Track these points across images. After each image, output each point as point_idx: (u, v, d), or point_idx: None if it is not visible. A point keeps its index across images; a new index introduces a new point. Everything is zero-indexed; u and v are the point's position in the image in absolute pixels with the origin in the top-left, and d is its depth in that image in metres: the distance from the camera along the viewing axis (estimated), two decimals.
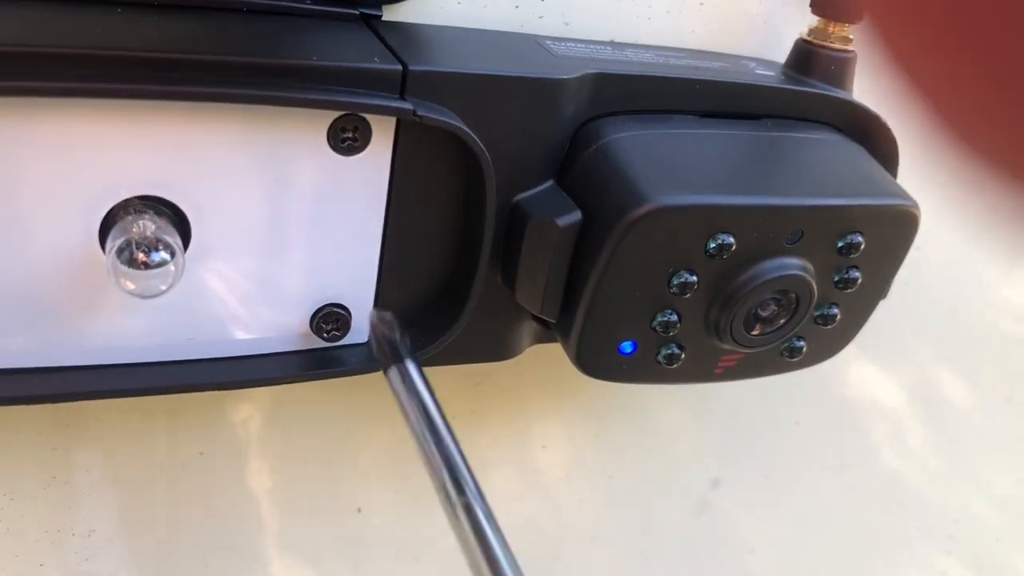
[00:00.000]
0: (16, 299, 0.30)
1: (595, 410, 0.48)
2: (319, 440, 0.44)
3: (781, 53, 0.42)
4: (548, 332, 0.39)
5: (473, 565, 0.29)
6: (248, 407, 0.41)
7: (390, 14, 0.35)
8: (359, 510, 0.46)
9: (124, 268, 0.28)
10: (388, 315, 0.34)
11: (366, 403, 0.43)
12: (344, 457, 0.44)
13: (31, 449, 0.38)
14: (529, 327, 0.39)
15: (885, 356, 0.56)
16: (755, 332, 0.36)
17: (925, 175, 0.47)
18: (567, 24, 0.39)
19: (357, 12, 0.34)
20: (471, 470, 0.31)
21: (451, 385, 0.44)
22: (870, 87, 0.40)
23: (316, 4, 0.33)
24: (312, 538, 0.46)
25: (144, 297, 0.29)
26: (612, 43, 0.39)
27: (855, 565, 0.63)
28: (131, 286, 0.29)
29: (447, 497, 0.31)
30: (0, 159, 0.28)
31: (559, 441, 0.48)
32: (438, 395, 0.43)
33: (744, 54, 0.42)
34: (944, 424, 0.61)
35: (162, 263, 0.29)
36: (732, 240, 0.33)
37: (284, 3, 0.33)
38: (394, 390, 0.33)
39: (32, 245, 0.29)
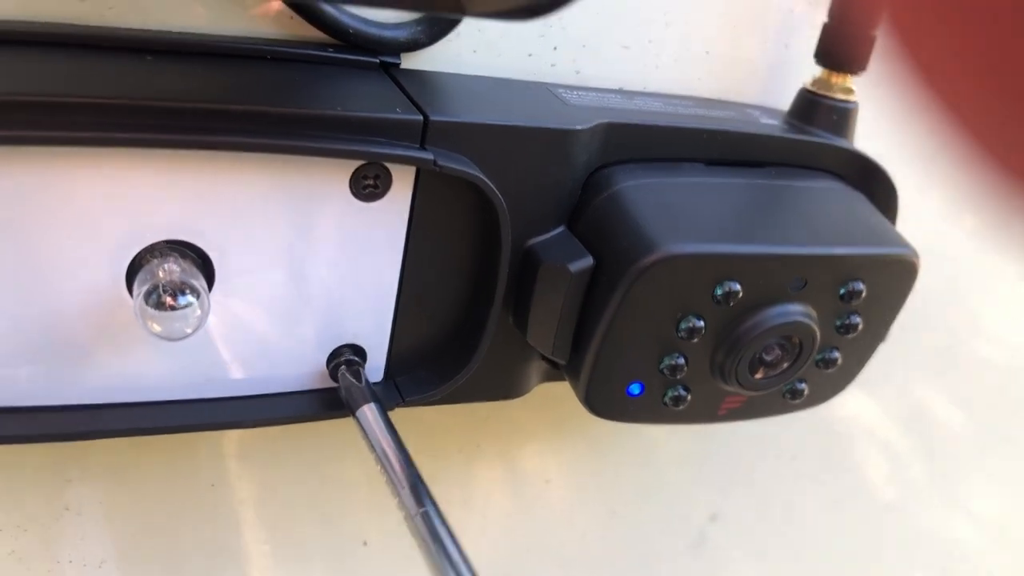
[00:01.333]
0: (43, 339, 0.31)
1: (598, 446, 0.49)
2: (328, 472, 0.44)
3: (785, 101, 0.43)
4: (556, 371, 0.40)
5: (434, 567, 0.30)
6: (259, 440, 0.42)
7: (408, 62, 0.36)
8: (365, 543, 0.46)
9: (152, 311, 0.29)
10: (354, 366, 0.35)
11: None
12: (350, 490, 0.45)
13: (45, 480, 0.39)
14: (538, 366, 0.40)
15: (881, 391, 0.57)
16: (759, 375, 0.37)
17: (920, 209, 0.48)
18: (578, 72, 0.40)
19: (377, 60, 0.35)
20: (428, 489, 0.32)
21: (457, 420, 0.45)
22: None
23: (337, 52, 0.34)
24: (320, 571, 0.46)
25: (170, 340, 0.30)
26: (621, 91, 0.40)
27: None
28: (158, 329, 0.29)
29: (408, 513, 0.32)
30: (34, 204, 0.29)
31: (562, 476, 0.49)
32: (445, 429, 0.43)
33: (749, 102, 0.43)
34: (939, 458, 0.62)
35: (188, 306, 0.29)
36: (739, 287, 0.34)
37: (306, 52, 0.34)
38: (361, 428, 0.34)
39: (61, 286, 0.30)
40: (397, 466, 0.32)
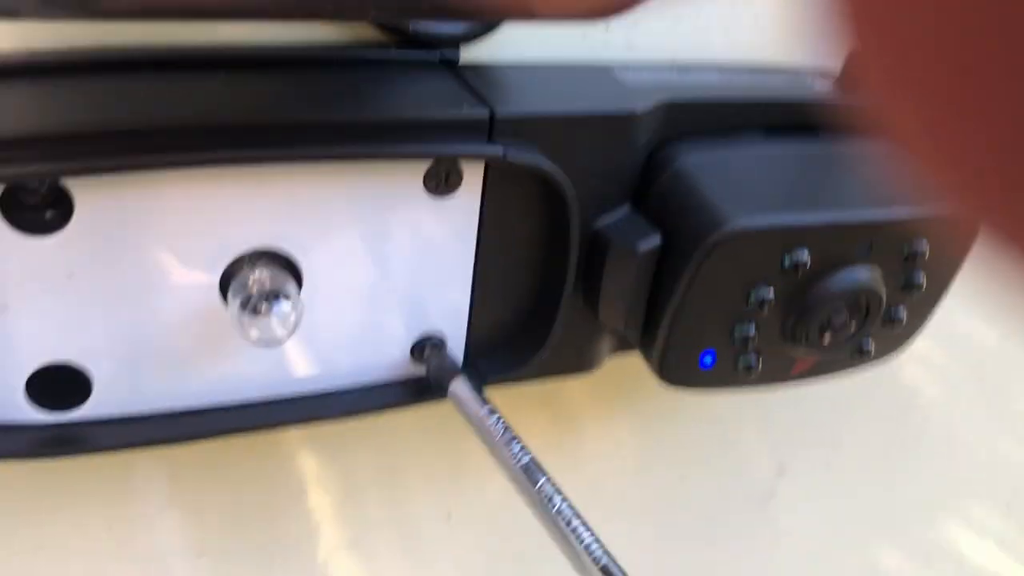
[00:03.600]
0: (147, 351, 0.32)
1: (665, 410, 0.50)
2: (414, 446, 0.46)
3: (837, 63, 0.43)
4: (627, 342, 0.41)
5: (564, 546, 0.32)
6: (339, 428, 0.44)
7: (467, 52, 0.37)
8: (449, 516, 0.48)
9: (248, 318, 0.31)
10: (438, 349, 0.37)
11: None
12: (436, 464, 0.47)
13: (148, 478, 0.41)
14: (609, 339, 0.41)
15: (945, 339, 0.58)
16: (827, 338, 0.38)
17: None
18: (630, 48, 0.40)
19: (437, 57, 0.36)
20: (538, 463, 0.34)
21: (532, 393, 0.47)
22: None
23: (399, 52, 0.35)
24: (400, 545, 0.48)
25: (267, 346, 0.31)
26: (676, 66, 0.40)
27: (916, 545, 0.65)
28: (255, 335, 0.31)
29: (526, 491, 0.33)
30: (133, 225, 0.30)
31: (632, 439, 0.51)
32: (522, 407, 0.45)
33: (801, 66, 0.43)
34: (1006, 401, 0.63)
35: (283, 314, 0.31)
36: (807, 256, 0.35)
37: (370, 54, 0.35)
38: (457, 403, 0.35)
39: (160, 300, 0.32)
40: (497, 435, 0.34)
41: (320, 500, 0.45)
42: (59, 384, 0.32)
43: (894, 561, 0.66)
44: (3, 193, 0.28)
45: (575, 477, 0.49)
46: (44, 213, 0.29)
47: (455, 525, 0.49)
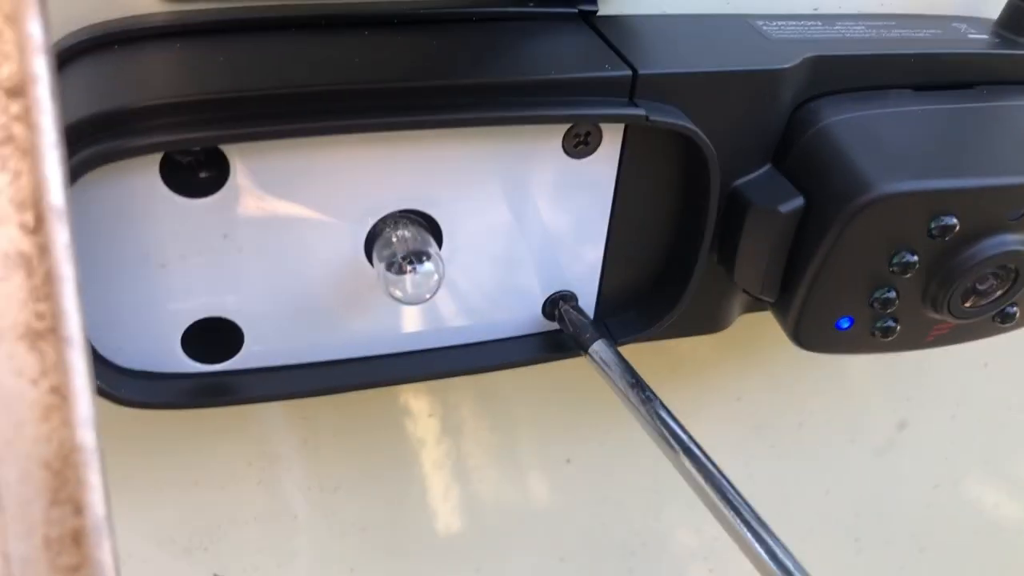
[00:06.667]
0: (297, 306, 0.34)
1: (789, 363, 0.50)
2: (534, 398, 0.47)
3: (992, 9, 0.41)
4: (757, 302, 0.40)
5: (707, 503, 0.32)
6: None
7: (604, 5, 0.36)
8: (568, 461, 0.49)
9: (394, 278, 0.31)
10: (575, 307, 0.37)
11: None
12: (556, 415, 0.47)
13: (287, 418, 0.42)
14: (740, 299, 0.41)
15: None
16: (970, 304, 0.37)
17: None
18: None
19: (576, 10, 0.35)
20: (678, 421, 0.34)
21: (653, 349, 0.47)
22: None
23: (538, 7, 0.35)
24: (532, 482, 0.49)
25: (410, 304, 0.32)
26: (820, 16, 0.39)
27: None
28: (399, 294, 0.32)
29: (667, 447, 0.33)
30: (285, 186, 0.31)
31: (754, 394, 0.50)
32: (639, 356, 0.44)
33: (953, 13, 0.41)
34: None
35: (426, 274, 0.31)
36: (955, 221, 0.34)
37: (510, 9, 0.34)
38: (596, 364, 0.35)
39: (309, 257, 0.33)
40: (635, 397, 0.34)
41: (440, 440, 0.47)
42: (213, 337, 0.33)
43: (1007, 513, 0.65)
44: (162, 157, 0.29)
45: (700, 419, 0.49)
46: (201, 176, 0.30)
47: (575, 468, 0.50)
